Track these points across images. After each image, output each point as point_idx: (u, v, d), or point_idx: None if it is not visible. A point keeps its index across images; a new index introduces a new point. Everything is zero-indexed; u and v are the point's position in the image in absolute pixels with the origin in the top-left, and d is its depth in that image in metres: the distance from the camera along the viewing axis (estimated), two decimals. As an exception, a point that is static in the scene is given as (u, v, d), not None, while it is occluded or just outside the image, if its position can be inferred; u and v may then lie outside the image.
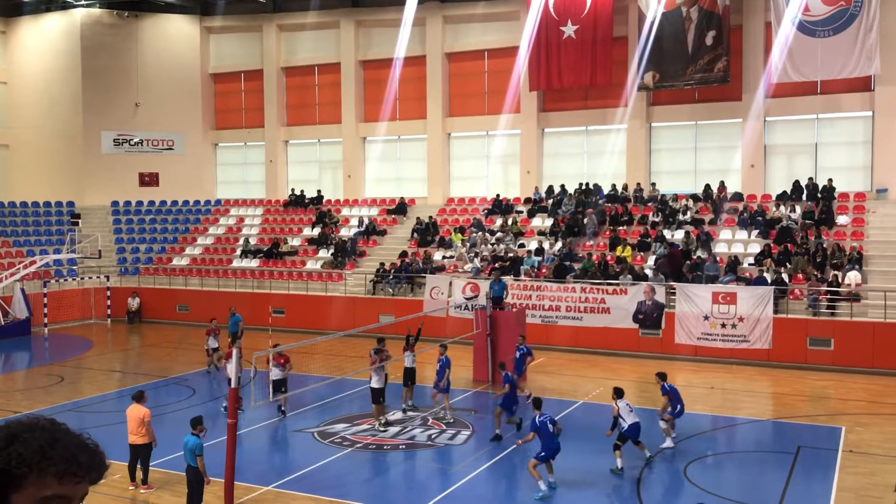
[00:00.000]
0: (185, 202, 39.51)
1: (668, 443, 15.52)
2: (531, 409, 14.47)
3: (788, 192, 28.52)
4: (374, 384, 16.90)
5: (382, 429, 16.79)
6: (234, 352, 13.48)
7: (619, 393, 14.61)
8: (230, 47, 39.99)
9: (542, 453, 13.18)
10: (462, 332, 23.25)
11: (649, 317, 24.31)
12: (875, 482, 13.31)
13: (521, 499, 13.38)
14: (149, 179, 39.69)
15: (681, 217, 28.88)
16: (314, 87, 38.49)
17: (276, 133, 38.84)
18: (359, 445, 16.04)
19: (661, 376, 15.94)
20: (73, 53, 38.49)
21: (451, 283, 27.23)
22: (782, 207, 27.90)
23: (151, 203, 39.37)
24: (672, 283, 24.61)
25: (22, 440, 1.68)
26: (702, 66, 29.47)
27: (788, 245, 25.90)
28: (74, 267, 34.86)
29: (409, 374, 18.81)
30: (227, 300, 30.69)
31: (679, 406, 15.69)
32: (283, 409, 18.08)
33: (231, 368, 17.96)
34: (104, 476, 1.77)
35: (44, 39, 38.74)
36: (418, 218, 33.12)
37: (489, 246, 30.04)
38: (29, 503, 1.65)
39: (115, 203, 38.97)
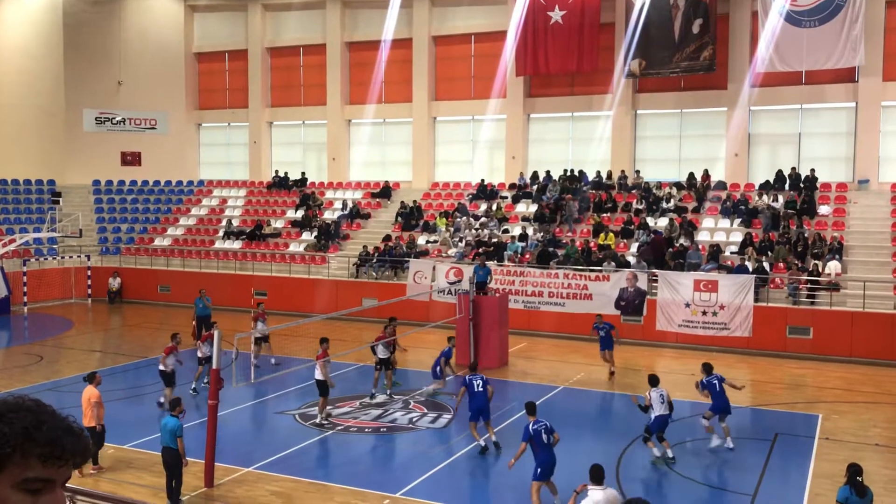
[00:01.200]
0: (168, 182, 39.20)
1: (717, 441, 14.67)
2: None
3: (771, 181, 28.70)
4: (318, 376, 16.35)
5: (325, 422, 16.14)
6: (216, 333, 13.46)
7: (652, 381, 14.30)
8: (214, 26, 39.59)
9: (538, 469, 11.63)
10: (445, 316, 23.28)
11: (631, 303, 24.43)
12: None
13: (501, 481, 13.46)
14: (131, 159, 39.33)
15: (664, 205, 29.00)
16: (299, 68, 38.22)
17: (260, 114, 38.56)
18: (340, 428, 16.06)
19: (706, 368, 15.05)
20: (55, 30, 37.96)
21: (434, 268, 27.21)
22: (765, 197, 28.07)
23: (133, 183, 39.03)
24: (654, 271, 24.73)
25: (6, 420, 1.64)
26: (688, 54, 29.51)
27: (770, 234, 26.09)
28: (55, 246, 34.54)
29: (385, 364, 18.42)
30: (209, 281, 30.56)
31: (717, 402, 14.76)
32: (275, 362, 18.46)
33: (204, 350, 18.15)
34: (87, 460, 1.75)
35: (25, 15, 38.16)
36: (403, 202, 33.05)
37: (473, 231, 30.04)
38: (10, 484, 1.62)
39: (96, 182, 38.60)
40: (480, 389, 14.36)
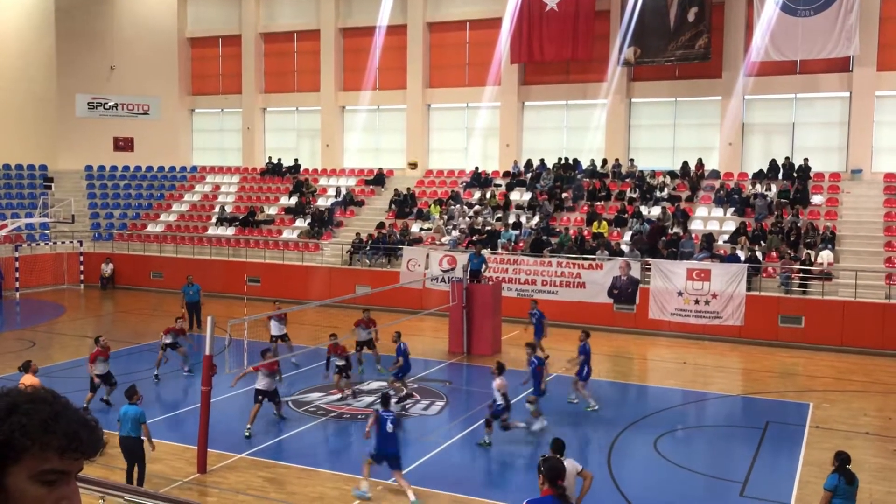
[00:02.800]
0: (161, 168, 39.04)
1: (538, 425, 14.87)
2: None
3: (765, 170, 28.74)
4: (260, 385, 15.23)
5: (247, 434, 14.70)
6: (210, 319, 13.44)
7: (500, 368, 14.40)
8: (208, 11, 39.34)
9: (373, 452, 11.81)
10: (438, 304, 23.29)
11: (624, 292, 24.50)
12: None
13: (494, 469, 13.52)
14: (123, 144, 39.13)
15: (658, 194, 29.02)
16: (293, 54, 38.03)
17: (253, 100, 38.39)
18: (333, 414, 16.09)
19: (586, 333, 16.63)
20: (47, 14, 37.67)
21: (428, 256, 27.22)
22: (758, 186, 28.11)
23: (126, 168, 38.85)
24: (647, 259, 24.78)
25: (24, 411, 1.64)
26: (683, 42, 29.46)
27: (763, 223, 26.16)
28: (47, 231, 34.39)
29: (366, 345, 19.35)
30: (202, 268, 30.51)
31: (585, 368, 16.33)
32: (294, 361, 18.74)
33: (181, 339, 18.32)
34: (99, 453, 1.75)
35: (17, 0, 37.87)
36: (396, 189, 32.99)
37: (467, 219, 30.03)
38: (28, 475, 1.62)
39: (88, 167, 38.41)
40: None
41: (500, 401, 14.18)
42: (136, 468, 11.96)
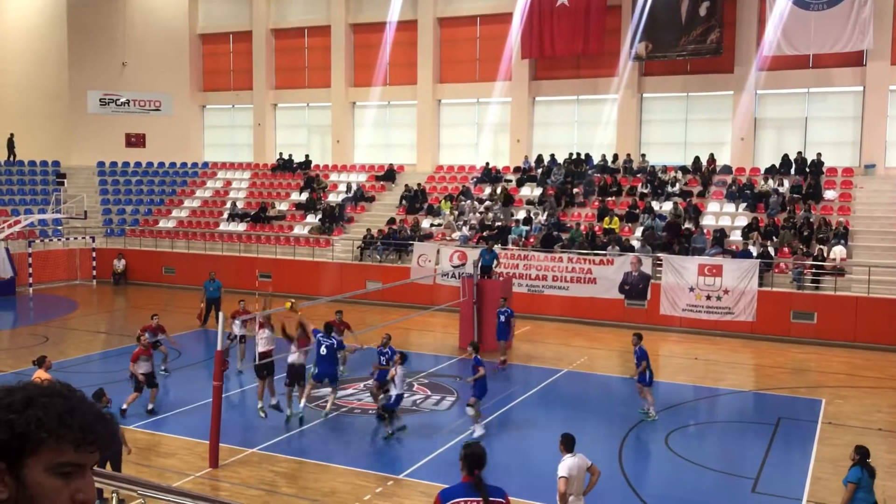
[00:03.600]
0: (172, 164, 39.18)
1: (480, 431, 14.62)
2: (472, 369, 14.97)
3: (777, 165, 28.58)
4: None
5: (262, 415, 15.37)
6: (221, 316, 13.51)
7: (403, 358, 14.48)
8: (219, 8, 39.42)
9: (316, 370, 14.54)
10: (449, 299, 23.30)
11: (635, 287, 24.43)
12: (853, 453, 13.51)
13: (504, 464, 13.52)
14: (135, 140, 39.28)
15: (669, 189, 28.91)
16: (304, 50, 38.06)
17: (264, 96, 38.46)
18: (344, 409, 16.13)
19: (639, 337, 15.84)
20: (59, 11, 37.83)
21: (438, 251, 27.22)
22: (770, 181, 27.96)
23: (138, 164, 39.01)
24: (659, 255, 24.71)
25: (40, 404, 1.65)
26: (695, 37, 29.31)
27: (776, 219, 26.02)
28: (60, 227, 34.58)
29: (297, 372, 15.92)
30: (213, 264, 30.60)
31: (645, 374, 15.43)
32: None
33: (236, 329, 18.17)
34: (113, 446, 1.77)
35: (29, -5, 38.05)
36: (407, 185, 32.99)
37: (477, 214, 30.00)
38: (44, 468, 1.64)
39: (100, 163, 38.59)
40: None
41: (396, 391, 14.24)
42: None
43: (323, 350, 14.77)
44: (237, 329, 19.23)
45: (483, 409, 16.06)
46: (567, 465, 9.01)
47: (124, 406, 15.15)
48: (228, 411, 14.66)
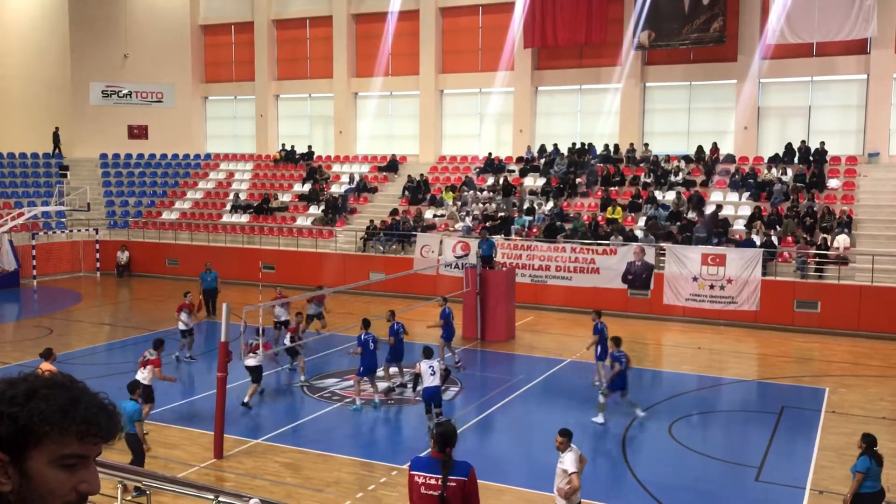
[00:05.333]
0: (175, 156, 39.17)
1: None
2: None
3: (781, 154, 28.50)
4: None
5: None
6: (225, 306, 13.51)
7: (426, 353, 14.23)
8: (220, -2, 39.34)
9: (361, 368, 15.21)
10: (452, 290, 23.30)
11: (638, 277, 24.41)
12: (856, 442, 13.50)
13: (508, 454, 13.55)
14: (138, 132, 39.28)
15: (673, 178, 28.85)
16: (305, 40, 37.98)
17: (266, 87, 38.40)
18: (348, 400, 16.16)
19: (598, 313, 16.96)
20: (61, 2, 37.80)
21: (441, 242, 27.21)
22: (774, 170, 27.89)
23: (140, 156, 39.01)
24: (662, 245, 24.68)
25: (42, 396, 1.65)
26: (698, 25, 29.19)
27: (779, 208, 25.97)
28: (63, 219, 34.63)
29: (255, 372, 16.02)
30: (216, 255, 30.65)
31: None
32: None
33: (184, 319, 18.34)
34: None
35: (30, -13, 37.99)
36: (409, 176, 32.96)
37: (480, 205, 29.98)
38: (48, 460, 1.64)
39: (103, 155, 38.59)
40: (373, 348, 15.34)
41: (425, 384, 14.08)
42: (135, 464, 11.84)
43: (371, 346, 15.35)
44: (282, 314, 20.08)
45: (486, 399, 16.09)
46: (573, 459, 9.13)
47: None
48: (233, 402, 14.69)
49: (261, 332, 15.91)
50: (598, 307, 25.01)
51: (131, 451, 11.79)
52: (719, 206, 26.75)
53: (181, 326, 19.26)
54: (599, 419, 14.51)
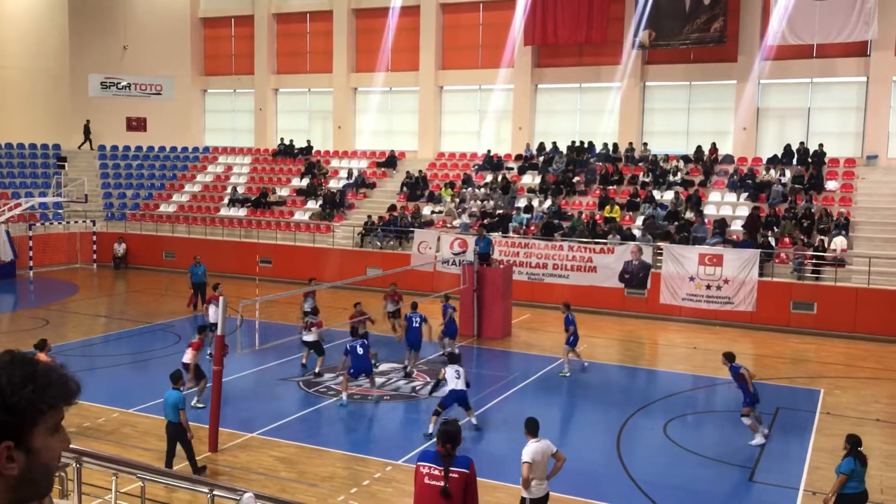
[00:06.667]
0: (173, 148, 39.10)
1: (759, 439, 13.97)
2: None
3: (779, 155, 28.52)
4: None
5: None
6: (221, 300, 13.51)
7: (452, 359, 14.33)
8: (221, -9, 39.26)
9: (352, 370, 15.56)
10: (449, 287, 23.29)
11: (635, 276, 24.44)
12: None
13: (502, 452, 13.56)
14: (136, 124, 39.21)
15: (671, 178, 28.86)
16: (305, 34, 37.92)
17: (265, 81, 38.34)
18: (336, 395, 16.15)
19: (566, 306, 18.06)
20: (60, -8, 37.68)
21: (439, 239, 27.21)
22: (772, 171, 27.91)
23: (139, 148, 38.93)
24: (659, 244, 24.70)
25: (37, 381, 1.87)
26: (698, 25, 29.18)
27: (777, 209, 25.99)
28: (60, 211, 34.57)
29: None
30: (214, 248, 30.65)
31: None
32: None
33: (212, 313, 18.30)
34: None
35: (30, -23, 37.87)
36: (408, 172, 32.94)
37: (478, 202, 29.96)
38: (45, 432, 1.88)
39: (101, 147, 38.51)
40: (362, 354, 15.51)
41: (450, 387, 14.14)
42: (175, 449, 11.94)
43: (360, 350, 15.62)
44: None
45: (482, 396, 16.07)
46: (531, 450, 9.13)
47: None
48: (228, 396, 14.68)
49: (313, 310, 17.99)
50: (595, 306, 25.16)
51: (169, 440, 11.86)
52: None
53: (211, 319, 18.83)
54: (758, 440, 13.69)
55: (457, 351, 17.85)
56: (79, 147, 37.87)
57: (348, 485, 11.77)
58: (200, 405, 15.10)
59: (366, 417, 15.21)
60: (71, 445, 2.05)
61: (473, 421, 14.03)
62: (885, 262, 23.26)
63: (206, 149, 39.37)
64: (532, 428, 9.35)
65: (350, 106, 36.93)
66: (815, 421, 14.99)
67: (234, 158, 38.26)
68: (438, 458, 7.24)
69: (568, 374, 17.85)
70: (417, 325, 16.33)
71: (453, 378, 13.89)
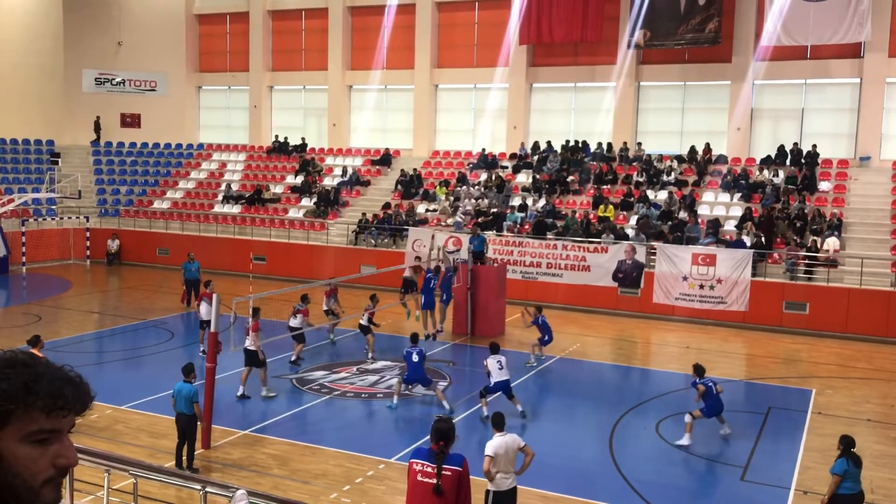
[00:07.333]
0: (168, 145, 39.03)
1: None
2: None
3: (773, 156, 28.61)
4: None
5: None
6: (214, 297, 13.50)
7: (493, 349, 14.90)
8: (216, -12, 39.16)
9: (406, 375, 15.43)
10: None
11: (629, 276, 24.47)
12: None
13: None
14: (130, 120, 39.10)
15: (665, 178, 28.93)
16: (301, 32, 37.86)
17: (260, 78, 38.28)
18: (337, 393, 16.17)
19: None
20: (54, -12, 37.55)
21: (433, 237, 27.20)
22: (766, 172, 27.99)
23: (133, 144, 38.85)
24: (652, 244, 24.75)
25: (3, 376, 1.64)
26: (693, 26, 29.24)
27: (770, 209, 26.07)
28: (54, 206, 34.48)
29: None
30: (207, 245, 30.61)
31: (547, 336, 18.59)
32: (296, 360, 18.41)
33: (203, 310, 18.26)
34: (90, 407, 1.77)
35: (24, -28, 37.71)
36: (403, 170, 32.94)
37: (473, 201, 29.98)
38: (16, 438, 1.64)
39: (95, 143, 38.41)
40: (416, 360, 15.19)
41: (495, 378, 14.51)
42: (185, 445, 12.03)
43: (415, 358, 15.24)
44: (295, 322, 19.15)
45: (474, 394, 16.09)
46: (494, 444, 9.19)
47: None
48: (221, 393, 14.68)
49: (304, 299, 18.03)
50: (589, 305, 25.22)
51: (180, 433, 11.90)
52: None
53: (203, 316, 18.78)
54: (685, 440, 13.69)
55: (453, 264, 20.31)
56: (91, 143, 38.10)
57: (341, 482, 11.78)
58: (272, 394, 15.53)
59: (359, 415, 15.21)
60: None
61: (519, 408, 14.61)
62: (877, 263, 23.37)
63: (201, 145, 39.29)
64: (497, 422, 9.50)
65: (345, 104, 36.90)
66: (806, 421, 15.06)
67: (229, 155, 38.20)
68: (431, 456, 7.27)
69: (535, 364, 18.61)
70: (417, 360, 15.27)
71: (496, 369, 14.50)
